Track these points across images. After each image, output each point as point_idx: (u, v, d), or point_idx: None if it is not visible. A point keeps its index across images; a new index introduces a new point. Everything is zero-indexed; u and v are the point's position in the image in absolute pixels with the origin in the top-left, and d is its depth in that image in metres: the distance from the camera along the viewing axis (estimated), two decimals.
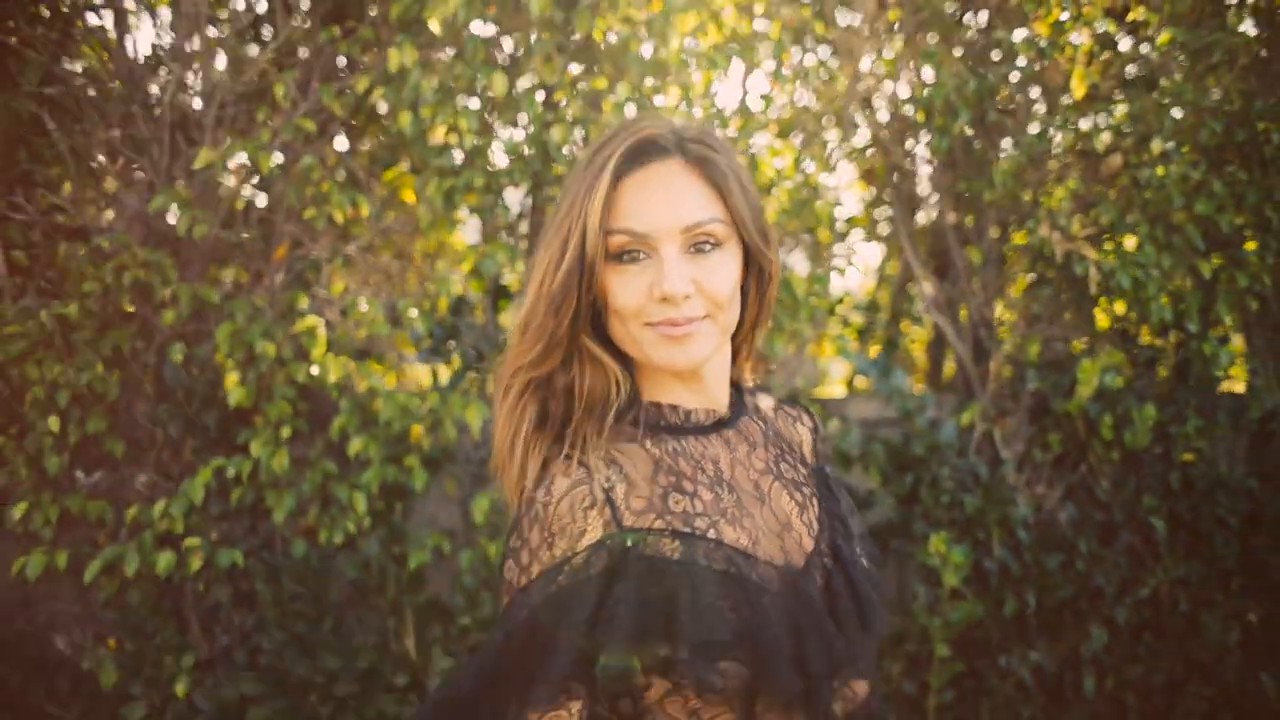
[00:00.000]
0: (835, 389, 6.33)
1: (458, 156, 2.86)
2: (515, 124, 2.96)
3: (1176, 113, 2.88)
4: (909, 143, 3.41)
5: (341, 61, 2.96)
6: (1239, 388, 3.36)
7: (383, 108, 2.93)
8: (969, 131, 3.11)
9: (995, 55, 3.12)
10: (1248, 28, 3.00)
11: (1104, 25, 2.78)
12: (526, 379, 1.12)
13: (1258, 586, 3.10)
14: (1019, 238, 3.17)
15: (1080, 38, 2.81)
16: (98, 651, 2.61)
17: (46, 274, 2.71)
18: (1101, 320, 3.17)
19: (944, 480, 3.03)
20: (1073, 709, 2.98)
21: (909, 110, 3.23)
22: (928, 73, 3.15)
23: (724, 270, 1.10)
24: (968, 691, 2.98)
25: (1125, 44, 3.00)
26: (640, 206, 1.08)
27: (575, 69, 2.92)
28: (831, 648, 1.06)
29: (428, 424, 2.72)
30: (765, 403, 1.30)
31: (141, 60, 2.75)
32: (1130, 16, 2.88)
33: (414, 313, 2.79)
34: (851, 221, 4.06)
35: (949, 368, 5.00)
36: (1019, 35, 2.98)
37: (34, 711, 2.67)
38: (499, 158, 2.92)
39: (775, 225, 3.15)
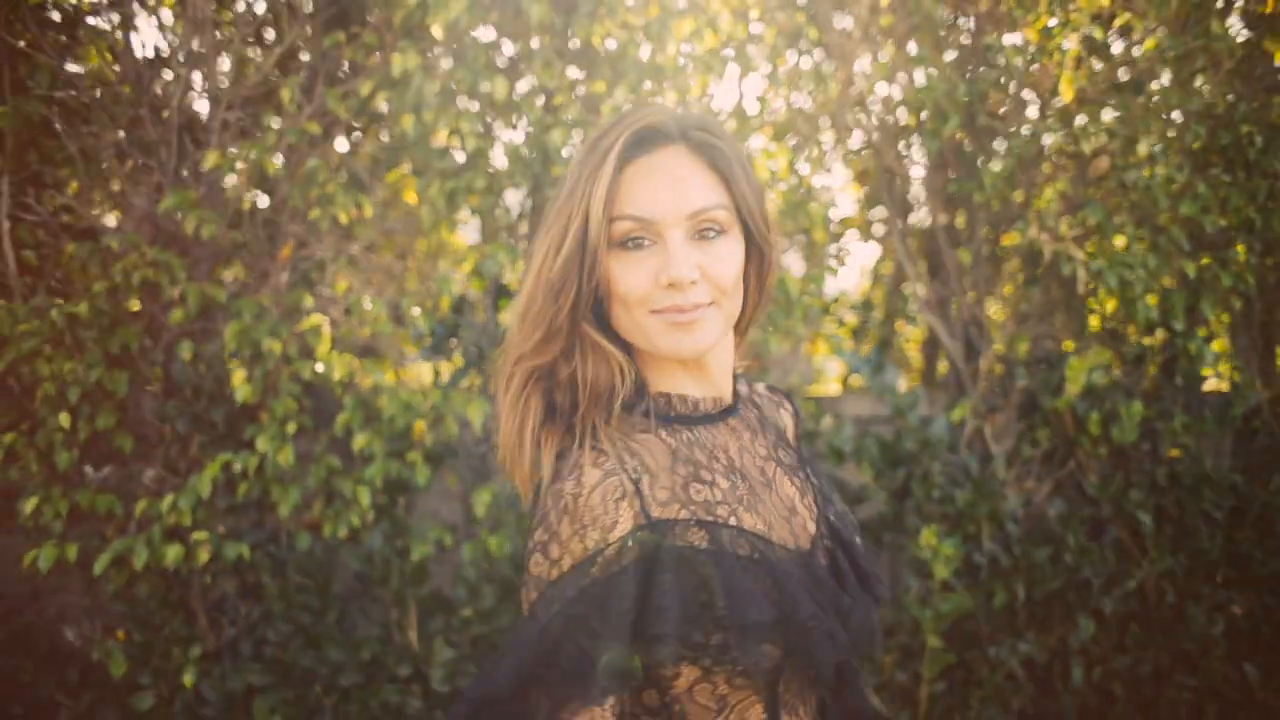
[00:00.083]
0: (830, 386, 6.39)
1: (459, 158, 2.92)
2: (514, 126, 3.02)
3: (1162, 117, 2.94)
4: (901, 145, 3.47)
5: (344, 65, 3.01)
6: (1224, 385, 3.42)
7: (383, 108, 2.98)
8: (959, 135, 3.17)
9: (985, 60, 3.18)
10: (1235, 27, 3.06)
11: (1092, 30, 2.84)
12: (528, 369, 1.10)
13: (1242, 579, 3.15)
14: (1008, 238, 3.23)
15: (1068, 43, 2.87)
16: (107, 643, 2.65)
17: (56, 274, 2.76)
18: (1092, 321, 3.23)
19: (935, 475, 3.09)
20: (1061, 699, 3.04)
21: (901, 114, 3.29)
22: (919, 76, 3.21)
23: (729, 257, 1.09)
24: (958, 681, 3.03)
25: (1114, 48, 3.06)
26: (645, 193, 1.07)
27: (574, 73, 2.98)
28: (849, 624, 1.08)
29: (430, 420, 2.77)
30: (756, 388, 1.32)
31: (148, 63, 2.80)
32: (1117, 22, 2.94)
33: (416, 311, 2.85)
34: (845, 222, 4.13)
35: (942, 366, 5.07)
36: (1008, 40, 3.04)
37: (45, 701, 2.72)
38: (499, 160, 2.97)
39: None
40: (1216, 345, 3.35)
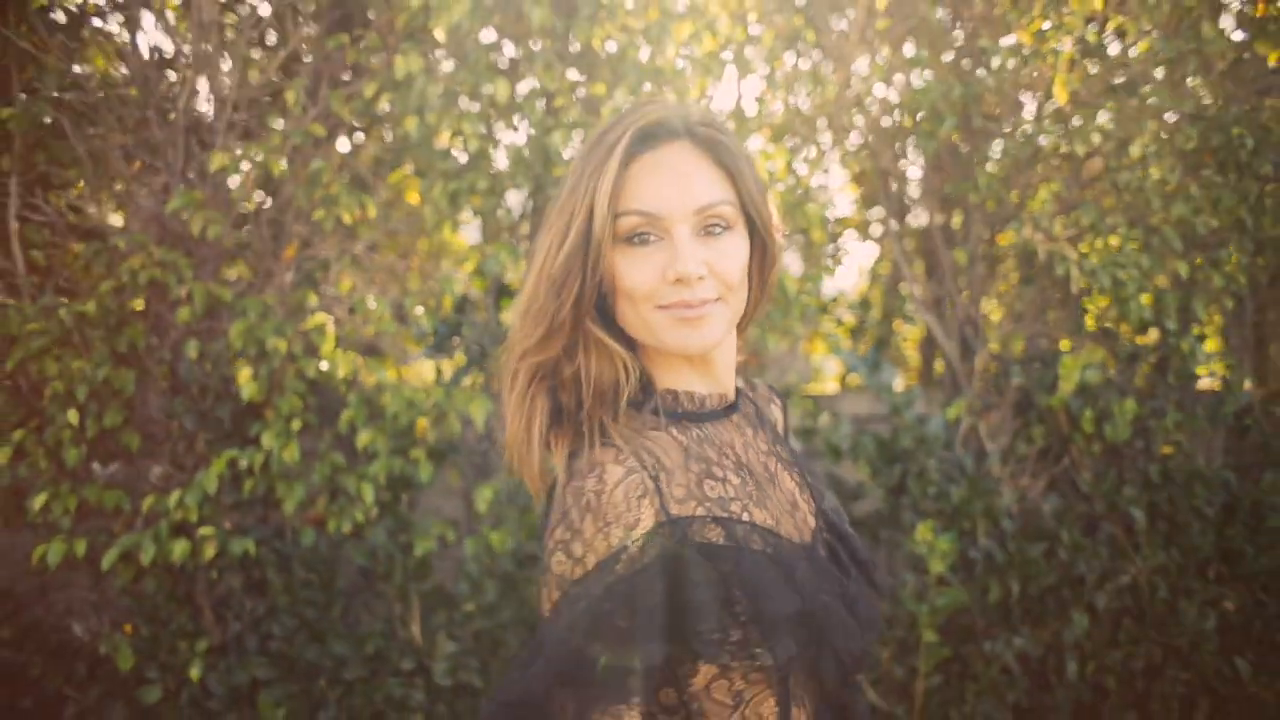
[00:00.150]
0: (828, 385, 6.43)
1: (461, 159, 2.96)
2: (515, 128, 3.06)
3: (1155, 119, 2.98)
4: (897, 147, 3.51)
5: (346, 67, 3.05)
6: (1216, 384, 3.47)
7: (384, 108, 3.01)
8: (954, 137, 3.21)
9: (980, 62, 3.22)
10: (1230, 28, 3.10)
11: (1085, 33, 2.88)
12: (532, 366, 1.10)
13: (1233, 575, 3.19)
14: (1003, 239, 3.27)
15: (1062, 46, 2.91)
16: (114, 637, 2.67)
17: (64, 273, 2.80)
18: (1087, 320, 3.27)
19: (931, 472, 3.13)
20: (1055, 693, 3.07)
21: (898, 115, 3.33)
22: (915, 78, 3.25)
23: (735, 253, 1.09)
24: (954, 676, 3.07)
25: (1109, 51, 3.10)
26: (652, 188, 1.06)
27: (574, 75, 3.02)
28: (856, 615, 1.09)
29: (433, 417, 2.81)
30: (750, 384, 1.34)
31: (155, 65, 2.84)
32: (1110, 25, 2.98)
33: (419, 310, 2.89)
34: (842, 223, 4.17)
35: (939, 365, 5.11)
36: (1003, 43, 3.08)
37: (53, 695, 2.75)
38: (501, 161, 3.01)
39: None
40: (1210, 345, 3.40)
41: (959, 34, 3.36)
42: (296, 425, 2.70)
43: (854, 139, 3.56)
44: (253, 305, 2.68)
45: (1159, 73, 3.07)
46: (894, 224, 3.61)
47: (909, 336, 6.17)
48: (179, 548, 2.58)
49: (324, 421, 2.86)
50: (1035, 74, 3.08)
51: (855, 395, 4.41)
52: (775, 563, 1.04)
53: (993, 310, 3.51)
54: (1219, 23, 3.05)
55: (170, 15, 2.86)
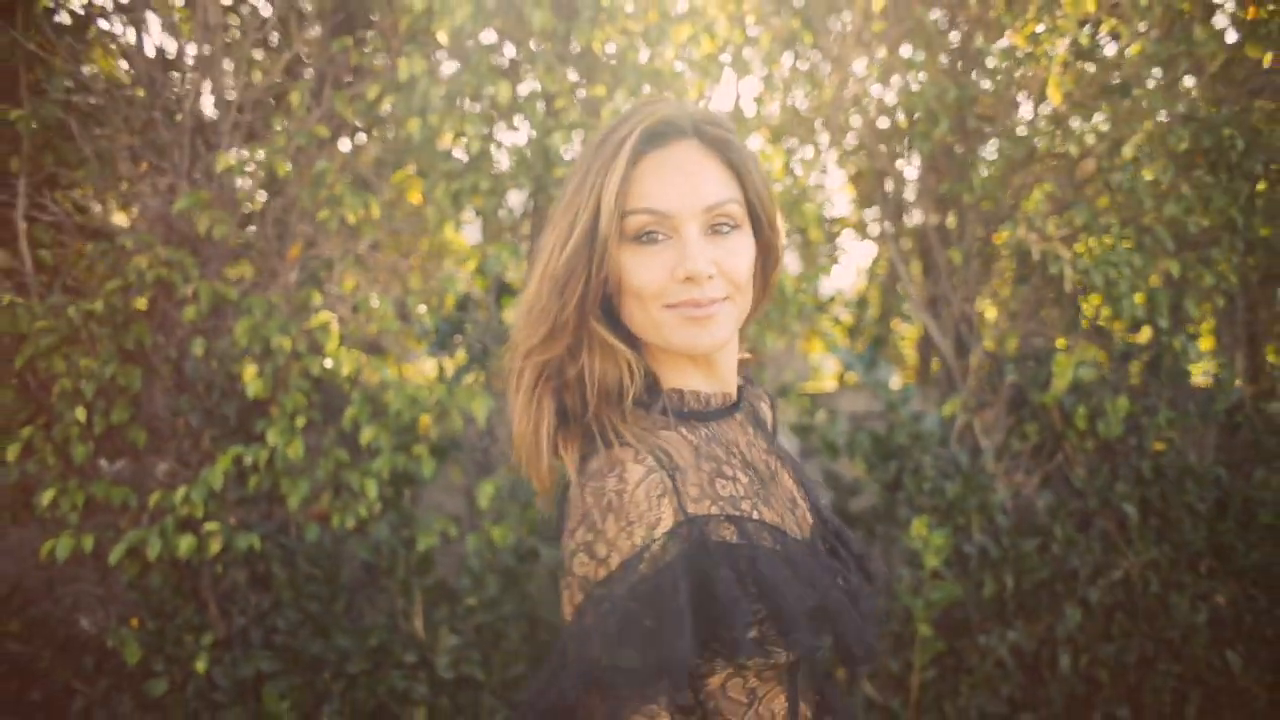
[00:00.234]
0: (827, 383, 6.47)
1: (463, 160, 2.99)
2: (515, 128, 3.10)
3: (1147, 120, 3.02)
4: (895, 147, 3.55)
5: (349, 69, 3.09)
6: (1208, 381, 3.51)
7: (386, 109, 3.05)
8: (949, 138, 3.25)
9: (975, 64, 3.27)
10: (1225, 27, 3.13)
11: (1078, 36, 2.92)
12: (537, 365, 1.09)
13: (1225, 569, 3.23)
14: (998, 238, 3.31)
15: (1055, 49, 2.95)
16: (121, 631, 2.71)
17: (72, 273, 2.84)
18: (1084, 319, 3.31)
19: (926, 468, 3.17)
20: (1049, 686, 3.12)
21: (894, 116, 3.37)
22: (911, 80, 3.29)
23: (742, 252, 1.09)
24: (949, 669, 3.11)
25: (1102, 52, 3.14)
26: (661, 186, 1.05)
27: (574, 77, 3.06)
28: (859, 608, 1.11)
29: (435, 415, 2.85)
30: (749, 382, 1.35)
31: (161, 67, 2.88)
32: (1103, 28, 3.02)
33: (422, 309, 2.93)
34: (840, 222, 4.21)
35: (937, 363, 5.15)
36: (998, 46, 3.13)
37: (62, 687, 2.79)
38: (502, 161, 3.05)
39: None
40: (1205, 343, 3.44)
41: (954, 36, 3.40)
42: (301, 422, 2.74)
43: (851, 140, 3.61)
44: (258, 304, 2.72)
45: (1153, 74, 3.11)
46: (890, 224, 3.65)
47: (906, 335, 6.21)
48: (185, 543, 2.62)
49: (328, 418, 2.90)
50: (1030, 76, 3.13)
51: (853, 393, 4.46)
52: (787, 560, 1.05)
53: (988, 309, 3.56)
54: (1213, 24, 3.09)
55: (174, 17, 2.90)
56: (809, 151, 3.59)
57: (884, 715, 3.08)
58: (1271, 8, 2.81)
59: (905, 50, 3.35)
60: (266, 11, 3.03)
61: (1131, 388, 3.26)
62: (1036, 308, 3.35)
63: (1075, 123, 3.07)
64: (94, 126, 2.84)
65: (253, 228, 2.91)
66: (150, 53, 2.87)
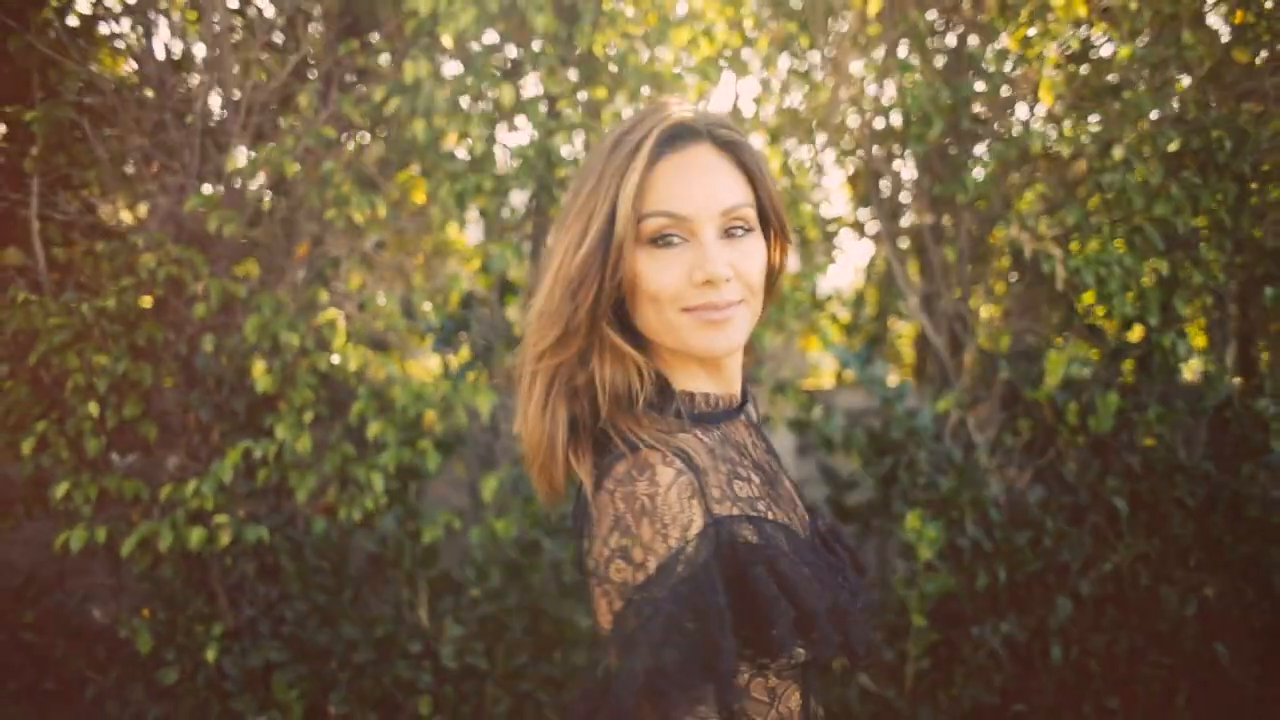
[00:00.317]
0: (824, 380, 6.53)
1: (466, 160, 3.06)
2: (515, 128, 3.16)
3: (1138, 122, 3.08)
4: (891, 147, 3.61)
5: (353, 70, 3.15)
6: (1198, 378, 3.57)
7: (391, 109, 3.10)
8: (944, 139, 3.31)
9: (970, 66, 3.33)
10: (1217, 25, 3.19)
11: (1069, 40, 2.99)
12: (550, 369, 1.09)
13: (1213, 563, 3.29)
14: (992, 238, 3.38)
15: (1047, 52, 3.02)
16: (133, 621, 2.77)
17: (85, 271, 2.89)
18: (1077, 318, 3.37)
19: (921, 463, 3.23)
20: (1041, 676, 3.18)
21: (890, 117, 3.44)
22: (906, 82, 3.35)
23: (756, 255, 1.09)
24: (943, 659, 3.17)
25: (1094, 53, 3.20)
26: (678, 189, 1.05)
27: (574, 76, 3.12)
28: (858, 603, 1.12)
29: (440, 410, 2.91)
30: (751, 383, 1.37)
31: (170, 69, 2.94)
32: (1094, 31, 3.09)
33: (427, 306, 2.99)
34: (838, 221, 4.27)
35: (932, 360, 5.22)
36: (992, 49, 3.19)
37: (75, 676, 2.85)
38: (505, 162, 3.11)
39: None
40: (1199, 342, 3.50)
41: (949, 39, 3.47)
42: (309, 417, 2.79)
43: (847, 140, 3.67)
44: (267, 301, 2.78)
45: (1146, 76, 3.17)
46: (886, 223, 3.71)
47: (904, 333, 6.28)
48: (195, 535, 2.67)
49: (335, 413, 2.95)
50: (1022, 78, 3.19)
51: (850, 390, 4.52)
52: (802, 560, 1.06)
53: (982, 307, 3.62)
54: (1207, 24, 3.15)
55: (179, 17, 2.95)
56: (807, 152, 3.65)
57: (880, 704, 3.14)
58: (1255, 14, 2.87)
59: (901, 52, 3.41)
60: (271, 14, 3.09)
61: (1122, 384, 3.32)
62: (1029, 306, 3.41)
63: (1067, 124, 3.13)
64: (105, 127, 2.89)
65: (259, 228, 2.96)
66: (159, 55, 2.93)
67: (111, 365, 2.71)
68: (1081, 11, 2.96)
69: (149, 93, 2.92)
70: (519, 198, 3.24)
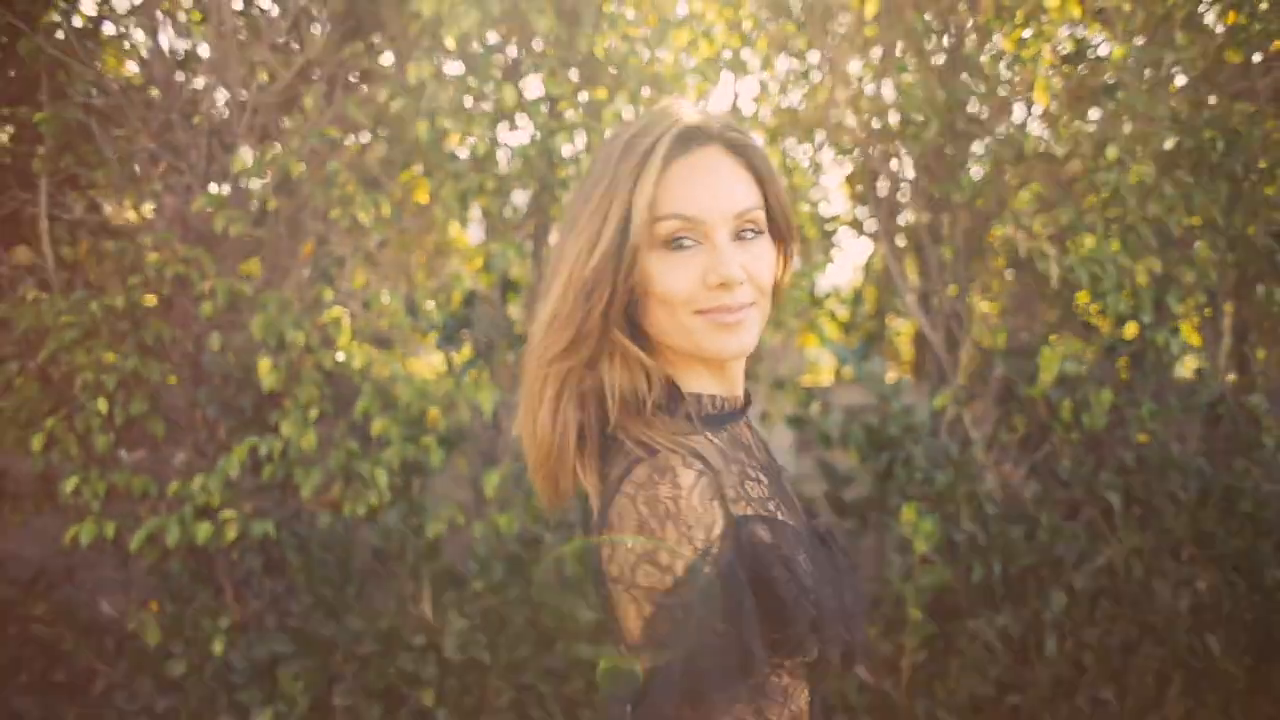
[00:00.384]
0: (823, 377, 6.58)
1: (469, 161, 3.09)
2: (516, 128, 3.19)
3: (1131, 122, 3.12)
4: (889, 146, 3.65)
5: (356, 72, 3.19)
6: (1192, 374, 3.61)
7: (394, 109, 3.14)
8: (940, 139, 3.35)
9: (966, 67, 3.37)
10: (1213, 24, 3.23)
11: (1063, 43, 3.03)
12: (560, 374, 1.08)
13: (1206, 557, 3.33)
14: (987, 236, 3.42)
15: (1042, 53, 3.05)
16: (141, 614, 2.80)
17: (93, 269, 2.93)
18: (1076, 314, 3.41)
19: (917, 458, 3.27)
20: (1035, 668, 3.22)
21: (886, 117, 3.47)
22: (902, 82, 3.39)
23: (767, 257, 1.09)
24: (939, 651, 3.22)
25: (1088, 56, 3.24)
26: (691, 192, 1.05)
27: (575, 76, 3.16)
28: (861, 603, 1.14)
29: (443, 406, 2.94)
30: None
31: (176, 69, 2.97)
32: (1089, 33, 3.13)
33: (430, 304, 3.03)
34: (836, 220, 4.31)
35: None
36: (988, 50, 3.23)
37: (84, 668, 2.90)
38: (507, 162, 3.15)
39: None
40: (1194, 340, 3.54)
41: (946, 40, 3.50)
42: (314, 414, 2.82)
43: (846, 140, 3.71)
44: (272, 299, 2.82)
45: (1140, 76, 3.21)
46: (884, 221, 3.75)
47: (902, 331, 6.32)
48: (202, 530, 2.71)
49: (340, 410, 2.98)
50: (1018, 79, 3.23)
51: (848, 387, 4.56)
52: (813, 560, 1.06)
53: (978, 305, 3.66)
54: (1204, 22, 3.19)
55: (183, 18, 2.99)
56: (805, 150, 3.69)
57: (877, 696, 3.19)
58: (1248, 15, 2.91)
59: (898, 52, 3.45)
60: (277, 15, 3.12)
61: (1116, 381, 3.37)
62: (1025, 303, 3.45)
63: (1063, 123, 3.17)
64: (112, 128, 2.93)
65: (263, 228, 3.00)
66: (165, 56, 2.96)
67: (120, 363, 2.75)
68: (1076, 13, 3.00)
69: (155, 93, 2.95)
70: (520, 197, 3.27)
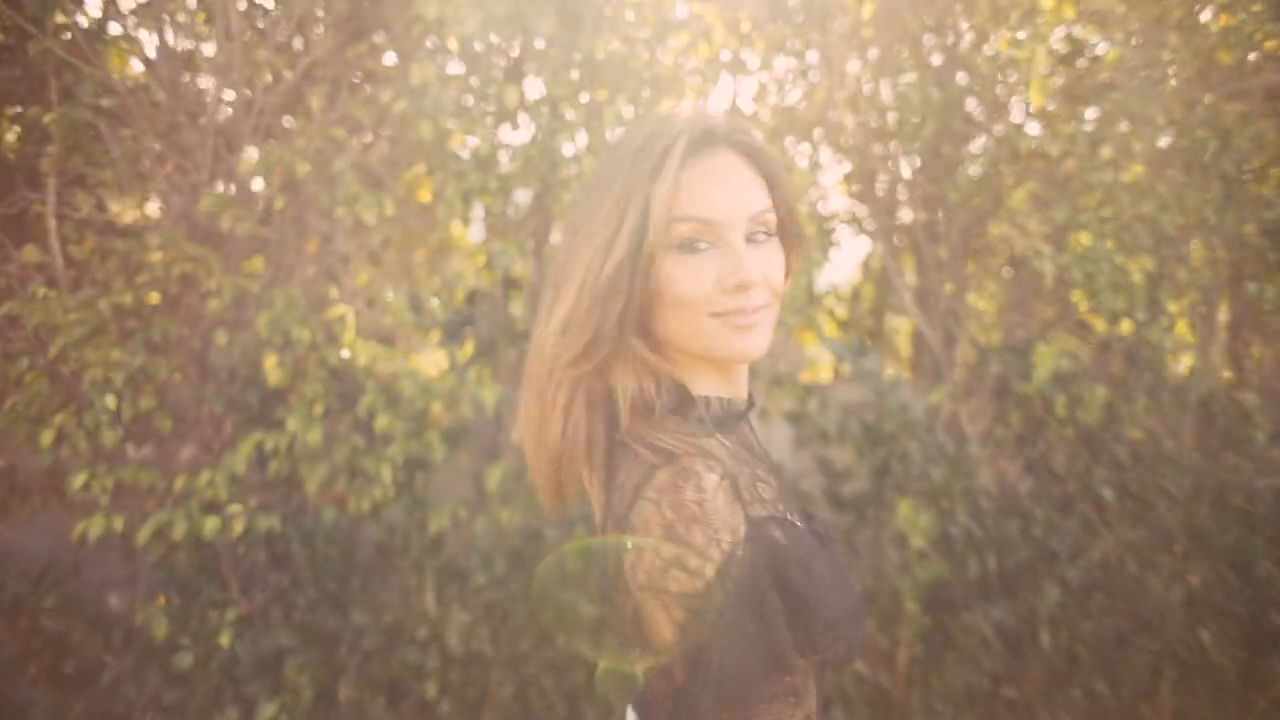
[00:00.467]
0: (822, 374, 6.61)
1: (471, 160, 3.13)
2: (517, 127, 3.23)
3: (1125, 123, 3.16)
4: (887, 146, 3.69)
5: (359, 72, 3.22)
6: (1186, 371, 3.65)
7: (397, 109, 3.17)
8: (936, 139, 3.39)
9: (962, 67, 3.40)
10: (1209, 19, 3.26)
11: (1058, 44, 3.07)
12: (573, 378, 1.08)
13: (1198, 551, 3.37)
14: (984, 235, 3.46)
15: (1037, 54, 3.09)
16: (149, 608, 2.84)
17: (101, 267, 2.97)
18: (1071, 312, 3.45)
19: (914, 454, 3.31)
20: (1030, 661, 3.26)
21: (886, 116, 3.51)
22: (899, 83, 3.43)
23: (778, 259, 1.10)
24: (935, 645, 3.25)
25: (1083, 56, 3.27)
26: (707, 195, 1.05)
27: (576, 77, 3.19)
28: (858, 599, 1.13)
29: (446, 402, 2.98)
30: None
31: (182, 70, 3.01)
32: (1084, 35, 3.16)
33: (434, 302, 3.06)
34: (834, 218, 4.34)
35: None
36: (984, 51, 3.27)
37: (93, 661, 2.93)
38: (509, 162, 3.18)
39: None
40: (1188, 337, 3.58)
41: (942, 41, 3.54)
42: (319, 410, 2.86)
43: (844, 139, 3.74)
44: (278, 297, 2.85)
45: (1134, 77, 3.25)
46: (882, 220, 3.79)
47: (901, 328, 6.35)
48: (209, 524, 2.74)
49: (344, 406, 3.02)
50: (1014, 79, 3.27)
51: (847, 384, 4.59)
52: (823, 560, 1.07)
53: (975, 302, 3.70)
54: (1197, 23, 3.23)
55: (186, 19, 3.02)
56: (804, 150, 3.73)
57: (873, 689, 3.23)
58: (1242, 16, 2.94)
59: (895, 53, 3.49)
60: (281, 16, 3.16)
61: (1111, 378, 3.40)
62: (1020, 301, 3.49)
63: (1059, 124, 3.20)
64: (120, 128, 2.97)
65: (272, 225, 3.04)
66: (170, 56, 3.00)
67: (128, 359, 2.78)
68: (1070, 14, 3.04)
69: (161, 95, 2.99)
70: (523, 196, 3.31)
